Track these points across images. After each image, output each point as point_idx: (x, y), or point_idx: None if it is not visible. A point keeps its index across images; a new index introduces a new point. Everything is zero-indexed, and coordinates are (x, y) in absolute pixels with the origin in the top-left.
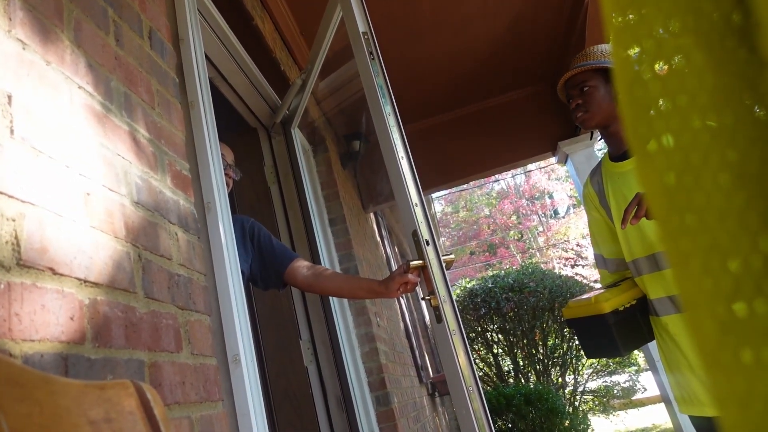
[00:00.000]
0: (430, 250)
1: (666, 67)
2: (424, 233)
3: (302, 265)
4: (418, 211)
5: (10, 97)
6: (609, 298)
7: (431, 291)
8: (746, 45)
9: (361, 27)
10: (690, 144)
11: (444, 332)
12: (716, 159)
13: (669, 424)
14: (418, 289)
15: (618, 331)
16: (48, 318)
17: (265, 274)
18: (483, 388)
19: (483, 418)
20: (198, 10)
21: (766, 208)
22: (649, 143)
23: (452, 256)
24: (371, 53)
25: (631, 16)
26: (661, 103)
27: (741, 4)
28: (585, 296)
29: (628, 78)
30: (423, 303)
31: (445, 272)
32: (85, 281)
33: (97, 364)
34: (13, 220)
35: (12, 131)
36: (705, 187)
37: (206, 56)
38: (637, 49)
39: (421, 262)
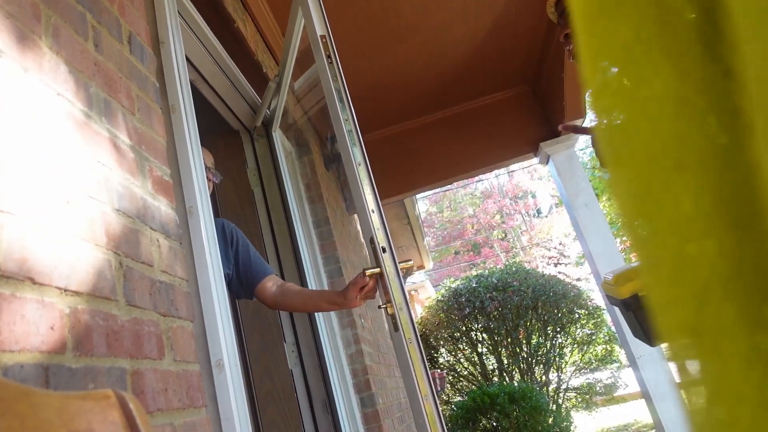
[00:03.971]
0: (386, 257)
1: (633, 75)
2: (381, 240)
3: (272, 283)
4: (375, 217)
5: None
6: (630, 279)
7: (388, 299)
8: (710, 56)
9: (319, 30)
10: (659, 150)
11: (400, 340)
12: (685, 165)
13: (649, 420)
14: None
15: (641, 319)
16: (28, 328)
17: (238, 284)
18: (467, 387)
19: (437, 424)
20: (178, 12)
21: (729, 213)
22: (618, 150)
23: (411, 262)
24: (329, 56)
25: (601, 25)
26: (629, 110)
27: (707, 21)
28: (612, 272)
29: (597, 85)
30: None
31: (402, 279)
32: (66, 290)
33: (78, 373)
34: None
35: None
36: (673, 192)
37: (187, 59)
38: (605, 60)
39: (377, 269)
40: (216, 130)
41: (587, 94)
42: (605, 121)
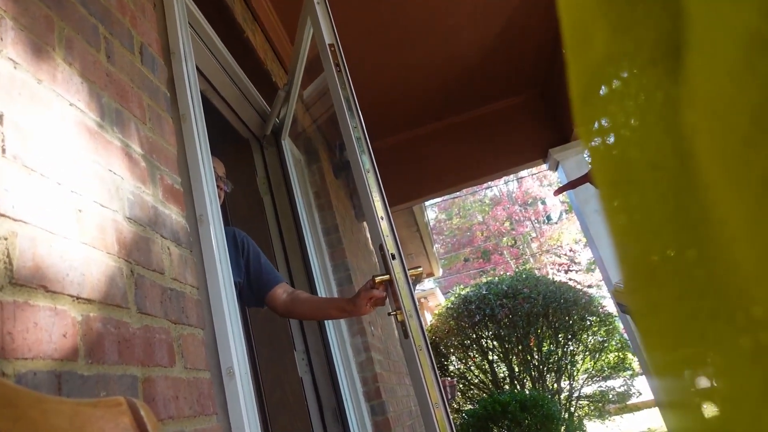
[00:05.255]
0: (396, 264)
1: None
2: (390, 247)
3: (282, 290)
4: (384, 224)
5: (1, 116)
6: None
7: (397, 306)
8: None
9: (328, 39)
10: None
11: (410, 348)
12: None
13: (664, 428)
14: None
15: None
16: (41, 336)
17: (249, 292)
18: (478, 395)
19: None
20: (189, 23)
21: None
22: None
23: (420, 269)
24: (337, 65)
25: (583, 31)
26: (612, 107)
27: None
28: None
29: (583, 82)
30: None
31: (411, 286)
32: (78, 298)
33: (90, 380)
34: (6, 239)
35: (3, 150)
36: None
37: (198, 69)
38: (589, 58)
39: (386, 276)
40: (226, 139)
41: (572, 88)
42: (589, 126)
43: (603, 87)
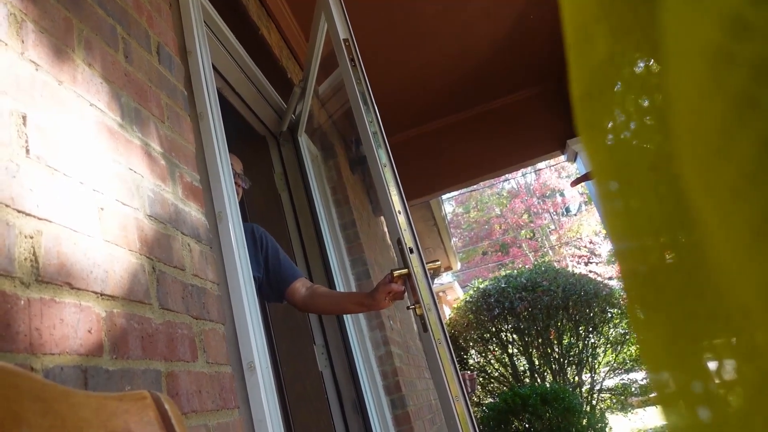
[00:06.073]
0: (414, 258)
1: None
2: (408, 241)
3: (302, 285)
4: (402, 218)
5: (24, 118)
6: None
7: (416, 300)
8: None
9: (342, 34)
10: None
11: (430, 342)
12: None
13: None
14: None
15: None
16: (67, 332)
17: (268, 287)
18: (498, 388)
19: (469, 426)
20: (204, 22)
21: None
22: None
23: (438, 262)
24: (352, 60)
25: (584, 33)
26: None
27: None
28: None
29: (584, 83)
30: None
31: (430, 280)
32: (102, 294)
33: (115, 375)
34: (31, 238)
35: (27, 150)
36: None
37: (214, 67)
38: (591, 60)
39: (405, 270)
40: (243, 136)
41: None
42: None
43: (604, 89)
